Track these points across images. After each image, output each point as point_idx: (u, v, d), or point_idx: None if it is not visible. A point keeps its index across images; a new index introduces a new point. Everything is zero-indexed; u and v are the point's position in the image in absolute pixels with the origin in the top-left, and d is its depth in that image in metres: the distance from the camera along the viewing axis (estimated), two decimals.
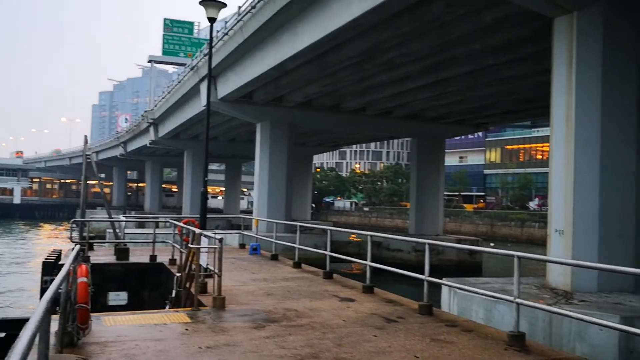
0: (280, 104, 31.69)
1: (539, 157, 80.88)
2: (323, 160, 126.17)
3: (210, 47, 19.27)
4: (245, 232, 20.82)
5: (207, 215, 17.34)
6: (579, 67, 12.70)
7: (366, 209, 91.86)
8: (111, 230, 20.30)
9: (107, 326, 7.32)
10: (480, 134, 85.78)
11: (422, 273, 8.56)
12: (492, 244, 52.55)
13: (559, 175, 13.07)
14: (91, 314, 6.67)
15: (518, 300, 6.61)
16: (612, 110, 12.66)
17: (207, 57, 21.18)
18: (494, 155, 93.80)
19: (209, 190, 77.11)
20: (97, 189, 77.67)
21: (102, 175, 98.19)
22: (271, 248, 16.71)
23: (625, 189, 12.84)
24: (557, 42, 13.23)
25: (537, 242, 54.47)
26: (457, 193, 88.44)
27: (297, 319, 7.90)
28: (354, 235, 33.90)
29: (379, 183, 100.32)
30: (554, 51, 13.37)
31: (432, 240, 9.27)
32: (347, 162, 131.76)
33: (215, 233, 10.72)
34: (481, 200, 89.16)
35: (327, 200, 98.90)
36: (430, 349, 6.33)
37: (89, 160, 19.55)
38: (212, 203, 76.20)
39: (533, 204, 74.72)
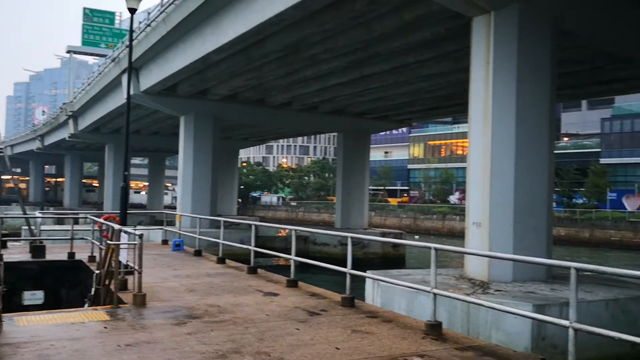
0: (205, 97, 31.23)
1: (460, 152, 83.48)
2: (250, 154, 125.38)
3: (131, 38, 18.75)
4: (169, 228, 20.42)
5: (129, 211, 16.91)
6: (495, 66, 13.17)
7: (293, 203, 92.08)
8: (27, 227, 19.45)
9: (21, 326, 7.01)
10: (404, 129, 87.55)
11: (343, 265, 8.67)
12: (416, 237, 53.92)
13: (477, 170, 13.53)
14: (3, 315, 6.37)
15: (435, 290, 6.81)
16: (527, 108, 13.21)
17: (129, 49, 20.61)
18: (417, 151, 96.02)
19: (132, 185, 75.44)
20: (11, 185, 74.04)
21: (18, 170, 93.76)
22: (195, 244, 16.47)
23: (539, 183, 13.45)
24: (475, 42, 13.67)
25: (457, 235, 56.25)
26: (382, 187, 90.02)
27: (220, 315, 7.84)
28: (285, 231, 33.97)
29: (306, 178, 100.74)
30: (472, 50, 13.80)
31: (356, 233, 9.41)
32: (274, 157, 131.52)
33: (135, 229, 10.46)
34: (405, 195, 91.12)
35: (254, 195, 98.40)
36: (351, 340, 6.44)
37: (1, 154, 18.64)
38: (134, 198, 74.23)
39: (454, 198, 77.16)
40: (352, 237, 8.85)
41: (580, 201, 64.85)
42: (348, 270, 8.56)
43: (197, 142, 32.03)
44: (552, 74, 13.68)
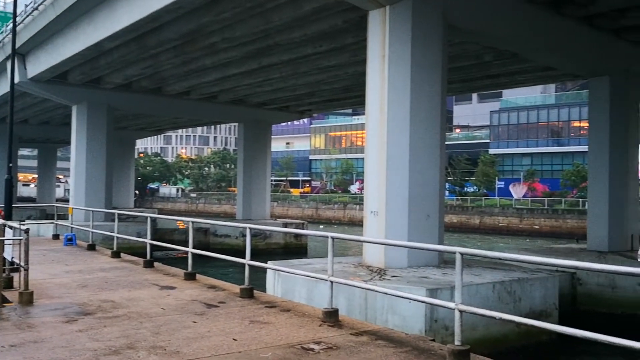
0: (98, 86, 29.94)
1: (360, 143, 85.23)
2: (147, 145, 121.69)
3: (14, 22, 17.63)
4: (60, 222, 19.47)
5: (17, 205, 15.97)
6: (391, 60, 13.53)
7: (193, 195, 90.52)
8: None
9: None
10: (305, 120, 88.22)
11: (250, 257, 8.65)
12: (321, 227, 54.61)
13: (373, 161, 13.88)
14: None
15: (332, 278, 6.95)
16: (420, 100, 13.68)
17: (12, 33, 19.38)
18: (318, 142, 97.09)
19: (20, 177, 71.02)
20: None
21: None
22: (88, 238, 15.82)
23: (432, 173, 13.99)
24: (372, 35, 13.97)
25: (357, 223, 57.53)
26: (284, 178, 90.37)
27: (114, 310, 7.60)
28: (183, 224, 33.30)
29: (207, 168, 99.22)
30: (368, 43, 14.09)
31: (258, 224, 9.40)
32: (172, 147, 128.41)
33: (22, 223, 9.91)
34: (307, 185, 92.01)
35: (151, 186, 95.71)
36: (249, 330, 6.45)
37: None
38: (23, 191, 70.21)
39: (354, 188, 78.83)
40: (251, 228, 8.83)
41: (471, 190, 68.20)
42: (247, 261, 8.55)
43: (90, 133, 30.71)
44: (443, 68, 14.23)
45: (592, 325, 12.91)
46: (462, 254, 5.42)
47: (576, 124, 69.86)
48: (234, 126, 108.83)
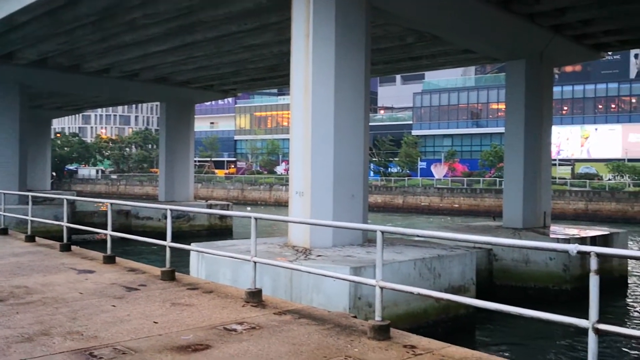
0: (9, 62, 28.36)
1: (286, 123, 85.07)
2: (65, 124, 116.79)
3: None
4: None
5: None
6: (315, 40, 13.51)
7: (114, 176, 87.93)
8: None
9: None
10: (230, 100, 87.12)
11: (172, 240, 8.48)
12: (248, 208, 54.29)
13: (299, 141, 13.89)
14: None
15: (255, 259, 6.92)
16: (344, 81, 13.77)
17: None
18: (243, 122, 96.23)
19: None
20: None
21: None
22: (0, 222, 15.07)
23: (356, 154, 14.17)
24: (296, 14, 13.89)
25: (284, 204, 57.61)
26: (208, 159, 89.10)
27: (27, 296, 7.28)
28: (105, 206, 32.25)
29: (128, 149, 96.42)
30: (292, 23, 14.01)
31: (181, 206, 9.22)
32: (92, 127, 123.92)
33: None
34: (232, 166, 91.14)
35: (70, 168, 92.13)
36: (170, 313, 6.34)
37: None
38: None
39: (280, 169, 78.78)
40: (172, 210, 8.66)
41: (395, 170, 69.57)
42: (168, 243, 8.39)
43: (2, 112, 29.14)
44: (367, 49, 14.35)
45: (507, 298, 13.54)
46: (382, 232, 5.51)
47: (494, 106, 72.42)
48: (156, 105, 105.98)
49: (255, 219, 6.92)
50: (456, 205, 54.94)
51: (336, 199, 13.66)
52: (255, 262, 6.91)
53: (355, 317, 6.42)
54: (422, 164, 70.56)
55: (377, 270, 5.51)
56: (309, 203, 13.55)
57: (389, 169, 70.02)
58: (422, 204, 56.90)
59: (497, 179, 54.25)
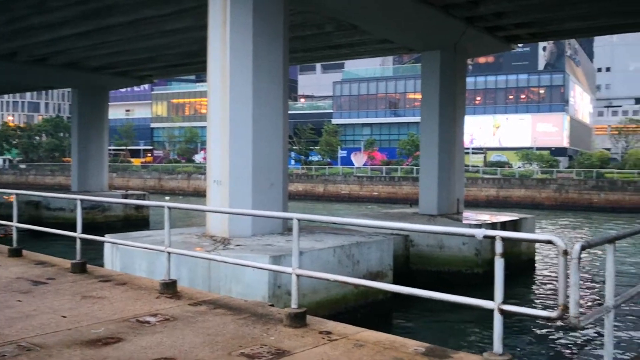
0: None
1: (204, 111, 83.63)
2: None
3: None
4: None
5: None
6: (232, 26, 13.30)
7: (23, 166, 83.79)
8: None
9: None
10: (146, 86, 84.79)
11: (86, 231, 8.17)
12: (167, 198, 53.17)
13: (216, 129, 13.68)
14: None
15: (169, 249, 6.78)
16: (263, 69, 13.65)
17: None
18: (160, 109, 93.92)
19: None
20: None
21: None
22: None
23: (275, 142, 14.10)
24: (212, 2, 13.62)
25: (203, 194, 56.65)
26: (124, 147, 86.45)
27: None
28: (12, 197, 30.67)
29: (37, 137, 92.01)
30: (209, 8, 13.73)
31: (95, 196, 8.89)
32: None
33: None
34: (149, 154, 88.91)
35: None
36: (81, 306, 6.11)
37: None
38: None
39: (199, 157, 77.53)
40: (83, 200, 8.34)
41: (315, 158, 70.05)
42: (78, 234, 8.07)
43: None
44: (285, 37, 14.28)
45: (423, 282, 13.95)
46: (299, 219, 5.52)
47: (411, 95, 74.18)
48: (68, 92, 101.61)
49: (169, 208, 6.77)
50: (375, 193, 55.99)
51: (255, 188, 13.57)
52: (169, 253, 6.77)
53: (272, 305, 6.42)
54: (342, 153, 71.40)
55: (293, 258, 5.52)
56: (227, 192, 13.39)
57: (310, 157, 70.42)
58: (343, 192, 57.61)
59: (414, 167, 55.70)
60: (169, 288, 6.62)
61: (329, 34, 23.13)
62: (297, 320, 5.38)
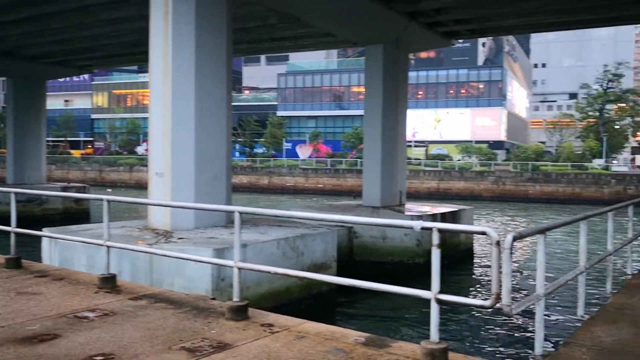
0: None
1: (146, 102, 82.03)
2: None
3: None
4: None
5: None
6: (175, 17, 13.09)
7: None
8: None
9: None
10: (86, 76, 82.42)
11: (22, 226, 7.93)
12: (109, 190, 51.91)
13: (158, 121, 13.47)
14: None
15: (108, 243, 6.67)
16: (206, 60, 13.49)
17: None
18: (101, 100, 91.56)
19: None
20: None
21: None
22: None
23: (218, 134, 13.98)
24: None
25: (145, 186, 55.69)
26: (63, 139, 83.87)
27: None
28: None
29: None
30: (151, 1, 13.48)
31: (33, 189, 8.63)
32: None
33: None
34: (89, 146, 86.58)
35: None
36: (15, 303, 5.94)
37: None
38: None
39: (141, 149, 75.98)
40: (18, 193, 8.09)
41: (260, 151, 69.76)
42: (12, 229, 7.83)
43: None
44: (229, 28, 14.15)
45: (366, 273, 14.17)
46: (240, 212, 5.53)
47: (355, 89, 74.73)
48: (3, 81, 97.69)
49: (108, 201, 6.66)
50: (320, 186, 56.25)
51: (198, 180, 13.44)
52: (108, 247, 6.66)
53: (214, 298, 6.41)
54: (287, 145, 71.34)
55: (235, 251, 5.53)
56: (169, 184, 13.23)
57: (255, 149, 70.07)
58: (288, 184, 57.63)
59: (359, 160, 56.21)
60: (108, 282, 6.52)
61: (273, 26, 23.03)
62: (239, 313, 5.40)
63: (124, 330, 5.07)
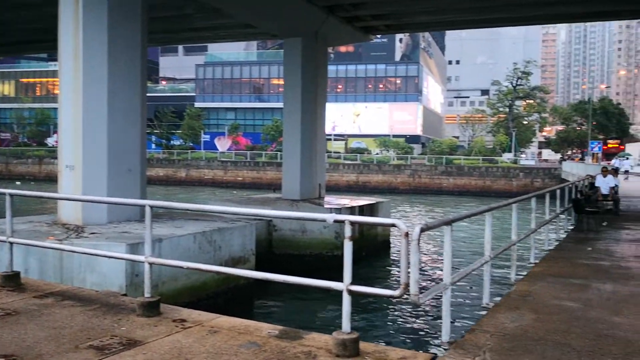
0: None
1: (57, 91, 78.61)
2: None
3: None
4: None
5: None
6: (85, 4, 12.61)
7: None
8: None
9: None
10: None
11: None
12: (18, 183, 49.43)
13: (68, 112, 12.96)
14: None
15: (11, 239, 6.37)
16: (119, 49, 13.07)
17: None
18: (7, 89, 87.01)
19: None
20: None
21: None
22: None
23: (132, 126, 13.59)
24: None
25: (56, 179, 53.52)
26: None
27: None
28: None
29: None
30: None
31: None
32: None
33: None
34: None
35: None
36: None
37: None
38: None
39: (52, 141, 72.76)
40: None
41: (177, 143, 68.37)
42: None
43: None
44: (143, 17, 13.77)
45: (285, 266, 14.20)
46: (151, 206, 5.42)
47: (275, 81, 74.60)
48: None
49: (11, 195, 6.35)
50: (240, 178, 55.85)
51: (111, 173, 13.03)
52: (11, 243, 6.36)
53: (125, 295, 6.26)
54: (205, 137, 70.26)
55: (146, 246, 5.42)
56: (80, 178, 12.76)
57: (172, 141, 68.59)
58: (206, 177, 56.85)
59: (278, 153, 56.26)
60: (12, 280, 6.23)
61: (190, 16, 22.60)
62: (150, 309, 5.29)
63: (27, 330, 4.86)
